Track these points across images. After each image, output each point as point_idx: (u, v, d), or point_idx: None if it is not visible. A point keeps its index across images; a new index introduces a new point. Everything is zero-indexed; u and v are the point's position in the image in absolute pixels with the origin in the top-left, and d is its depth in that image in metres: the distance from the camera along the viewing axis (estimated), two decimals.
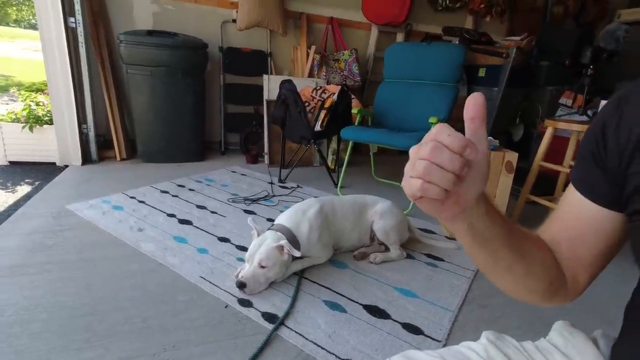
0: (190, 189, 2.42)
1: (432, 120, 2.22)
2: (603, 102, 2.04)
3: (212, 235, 1.82)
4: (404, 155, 3.02)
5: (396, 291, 1.46)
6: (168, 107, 2.87)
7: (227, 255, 1.64)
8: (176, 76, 2.81)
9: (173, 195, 2.28)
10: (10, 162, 2.80)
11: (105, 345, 1.08)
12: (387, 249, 1.73)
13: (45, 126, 2.73)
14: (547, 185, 2.31)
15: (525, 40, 3.49)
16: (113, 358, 1.04)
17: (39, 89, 3.42)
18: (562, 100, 3.39)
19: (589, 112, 2.58)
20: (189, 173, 2.74)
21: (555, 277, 0.50)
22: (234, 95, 3.41)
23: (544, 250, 0.51)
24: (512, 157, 1.82)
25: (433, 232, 2.04)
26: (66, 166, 2.73)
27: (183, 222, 1.94)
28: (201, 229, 1.87)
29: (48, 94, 2.69)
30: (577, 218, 0.51)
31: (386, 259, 1.67)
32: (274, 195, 2.43)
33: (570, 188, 0.53)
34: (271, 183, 2.68)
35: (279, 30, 3.25)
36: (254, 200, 2.31)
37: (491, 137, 1.90)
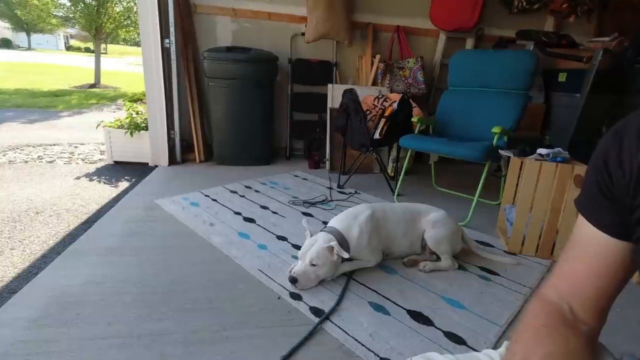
0: (256, 191, 2.65)
1: (495, 129, 2.15)
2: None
3: (272, 233, 1.99)
4: (465, 165, 2.98)
5: (442, 300, 1.47)
6: (241, 116, 3.16)
7: (283, 253, 1.79)
8: (248, 87, 3.09)
9: (240, 195, 2.53)
10: (115, 161, 3.33)
11: (178, 319, 1.29)
12: (438, 259, 1.73)
13: (142, 132, 3.20)
14: None
15: (615, 41, 3.16)
16: (184, 329, 1.24)
17: (139, 99, 4.00)
18: None
19: None
20: (255, 176, 2.99)
21: (591, 340, 0.51)
22: (300, 103, 3.62)
23: (575, 341, 0.50)
24: (582, 170, 1.69)
25: (491, 246, 1.97)
26: (156, 166, 3.17)
27: (247, 220, 2.15)
28: (263, 227, 2.06)
29: (146, 104, 3.16)
30: (594, 256, 0.51)
31: (436, 268, 1.68)
32: (332, 200, 2.55)
33: (580, 223, 0.53)
34: (330, 188, 2.80)
35: (344, 41, 3.38)
36: (313, 204, 2.45)
37: (560, 149, 1.79)
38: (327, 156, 3.31)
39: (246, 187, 2.72)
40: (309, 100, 3.62)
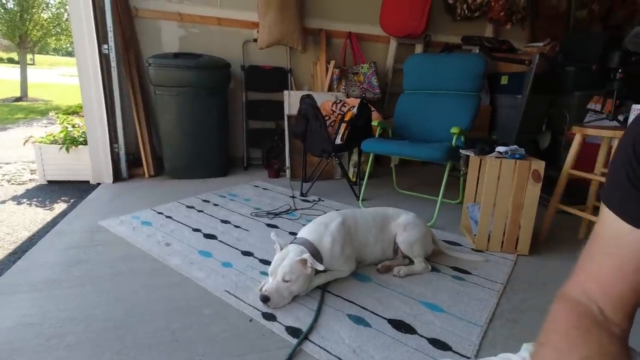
0: (215, 204, 2.48)
1: (454, 130, 2.20)
2: (636, 107, 1.95)
3: (236, 249, 1.85)
4: (425, 166, 3.05)
5: (422, 305, 1.43)
6: (193, 125, 2.97)
7: (250, 269, 1.66)
8: (201, 95, 2.92)
9: (198, 211, 2.35)
10: (48, 181, 2.96)
11: (136, 357, 1.12)
12: (411, 262, 1.70)
13: (80, 147, 2.89)
14: (578, 194, 2.22)
15: (549, 46, 3.43)
16: None
17: (75, 111, 3.63)
18: (591, 106, 3.27)
19: (620, 117, 2.48)
20: (213, 188, 2.81)
21: (624, 340, 0.47)
22: (255, 111, 3.50)
23: (608, 342, 0.46)
24: (539, 165, 1.77)
25: (459, 245, 2.00)
26: (99, 184, 2.87)
27: (208, 236, 1.98)
28: (225, 243, 1.91)
29: (83, 116, 2.85)
30: (622, 251, 0.47)
31: (410, 272, 1.64)
32: (296, 209, 2.46)
33: (605, 216, 0.50)
34: (293, 197, 2.70)
35: (298, 47, 3.33)
36: (277, 214, 2.34)
37: (516, 146, 1.86)
38: (287, 164, 3.22)
39: (204, 200, 2.54)
40: (265, 107, 3.51)
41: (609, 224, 0.49)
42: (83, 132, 2.94)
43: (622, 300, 0.47)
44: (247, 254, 1.81)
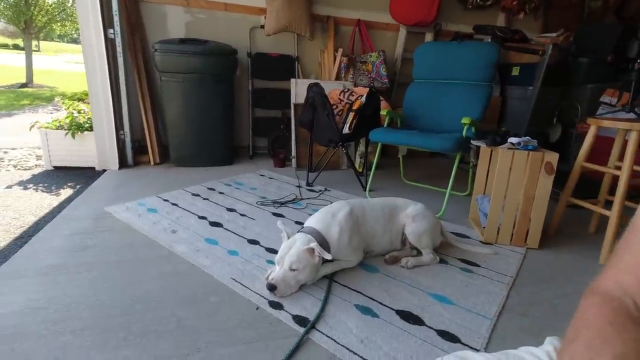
0: (220, 192, 2.46)
1: (464, 120, 2.15)
2: None
3: (242, 237, 1.84)
4: (433, 158, 3.01)
5: (430, 297, 1.41)
6: (199, 113, 2.94)
7: (256, 258, 1.65)
8: (207, 82, 2.88)
9: (204, 198, 2.33)
10: (54, 167, 2.96)
11: (142, 344, 1.11)
12: (419, 253, 1.68)
13: (85, 133, 2.87)
14: (590, 188, 2.18)
15: (562, 37, 3.34)
16: (149, 357, 1.06)
17: (81, 98, 3.61)
18: (604, 99, 3.19)
19: (637, 110, 2.42)
20: (218, 177, 2.79)
21: None
22: (262, 99, 3.46)
23: None
24: (552, 157, 1.73)
25: (467, 237, 1.97)
26: (104, 170, 2.86)
27: (214, 224, 1.97)
28: (231, 231, 1.89)
29: (89, 103, 2.83)
30: None
31: (418, 264, 1.62)
32: (302, 199, 2.43)
33: None
34: (299, 186, 2.68)
35: (306, 34, 3.27)
36: (282, 204, 2.32)
37: (528, 137, 1.81)
38: (293, 153, 3.19)
39: (209, 189, 2.52)
40: (271, 96, 3.47)
41: None
42: (89, 118, 2.92)
43: None
44: (253, 242, 1.79)
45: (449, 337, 1.20)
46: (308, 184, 2.72)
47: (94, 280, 1.42)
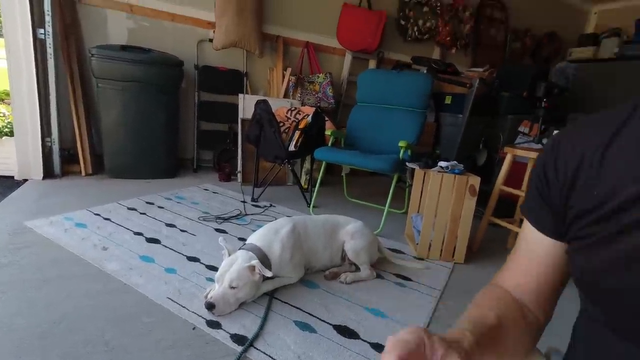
0: (160, 207, 2.36)
1: (401, 144, 2.32)
2: (556, 132, 2.21)
3: (181, 254, 1.78)
4: (374, 176, 3.15)
5: (366, 311, 1.49)
6: (139, 123, 2.82)
7: (196, 275, 1.61)
8: (149, 92, 2.78)
9: (141, 213, 2.22)
10: None
11: None
12: (357, 269, 1.76)
13: (4, 138, 2.61)
14: (508, 208, 2.45)
15: (487, 72, 3.75)
16: None
17: (0, 98, 3.27)
18: (521, 129, 3.63)
19: (544, 141, 2.78)
20: (158, 190, 2.68)
21: (536, 328, 0.56)
22: (208, 112, 3.41)
23: (521, 317, 0.54)
24: (475, 181, 1.93)
25: (402, 252, 2.10)
26: (25, 180, 2.60)
27: (151, 240, 1.89)
28: (170, 248, 1.83)
29: (9, 105, 2.58)
30: (536, 255, 0.56)
31: (356, 279, 1.70)
32: (247, 214, 2.42)
33: (525, 225, 0.58)
34: (244, 202, 2.66)
35: (255, 51, 3.31)
36: (226, 219, 2.29)
37: (455, 162, 2.01)
38: (239, 168, 3.17)
39: (148, 203, 2.41)
40: (218, 109, 3.44)
41: (527, 230, 0.57)
42: (9, 123, 2.66)
43: (535, 295, 0.56)
44: (193, 259, 1.75)
45: (382, 349, 1.27)
46: (253, 200, 2.72)
47: (8, 301, 1.29)
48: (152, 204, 2.40)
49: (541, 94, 2.55)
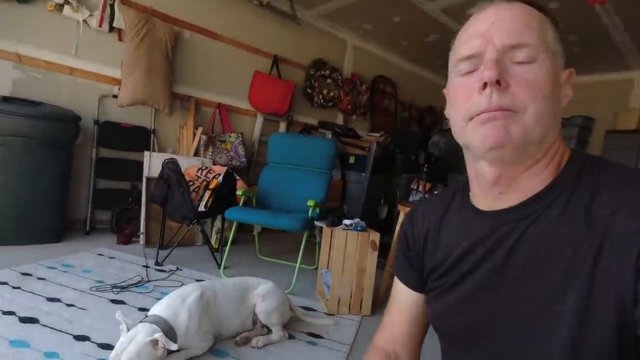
0: (40, 278, 2.05)
1: (309, 203, 2.47)
2: (441, 188, 2.62)
3: (67, 333, 1.56)
4: (286, 233, 3.24)
5: None
6: (20, 182, 2.49)
7: (84, 357, 1.41)
8: (36, 148, 2.52)
9: (14, 287, 1.90)
10: None
11: None
12: (270, 331, 1.74)
13: None
14: None
15: (382, 137, 4.29)
16: None
17: None
18: (414, 186, 4.15)
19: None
20: (39, 257, 2.33)
21: None
22: (107, 170, 3.18)
23: None
24: (375, 236, 2.14)
25: (314, 309, 2.14)
26: None
27: (26, 320, 1.61)
28: (51, 327, 1.58)
29: None
30: (406, 307, 0.69)
31: (268, 342, 1.68)
32: (149, 280, 2.24)
33: (396, 282, 0.72)
34: (146, 266, 2.46)
35: (164, 110, 3.28)
36: (124, 288, 2.08)
37: (358, 219, 2.21)
38: (142, 229, 2.95)
39: (23, 274, 2.07)
40: (120, 166, 3.23)
41: (397, 286, 0.71)
42: None
43: (407, 344, 0.68)
44: (81, 338, 1.54)
45: None
46: (157, 263, 2.53)
47: None
48: (30, 275, 2.07)
49: (422, 161, 3.02)
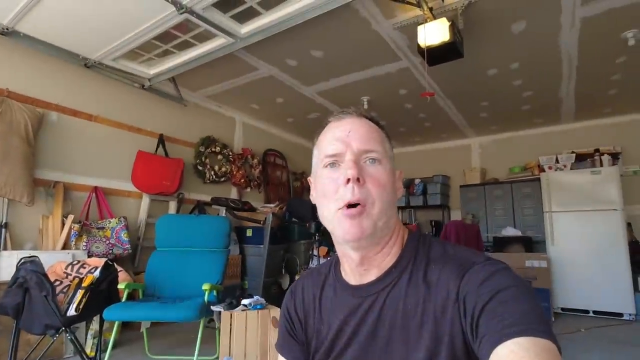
0: None
1: (205, 287, 2.32)
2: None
3: None
4: (182, 325, 2.95)
5: None
6: None
7: None
8: None
9: None
10: None
11: None
12: None
13: None
14: None
15: (278, 207, 4.41)
16: None
17: None
18: (314, 252, 4.27)
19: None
20: None
21: None
22: None
23: None
24: (276, 312, 2.10)
25: None
26: None
27: None
28: None
29: None
30: None
31: None
32: None
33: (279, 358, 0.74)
34: None
35: (22, 199, 2.84)
36: None
37: (257, 297, 2.17)
38: None
39: None
40: None
41: None
42: None
43: None
44: None
45: None
46: None
47: None
48: None
49: (313, 230, 3.20)
